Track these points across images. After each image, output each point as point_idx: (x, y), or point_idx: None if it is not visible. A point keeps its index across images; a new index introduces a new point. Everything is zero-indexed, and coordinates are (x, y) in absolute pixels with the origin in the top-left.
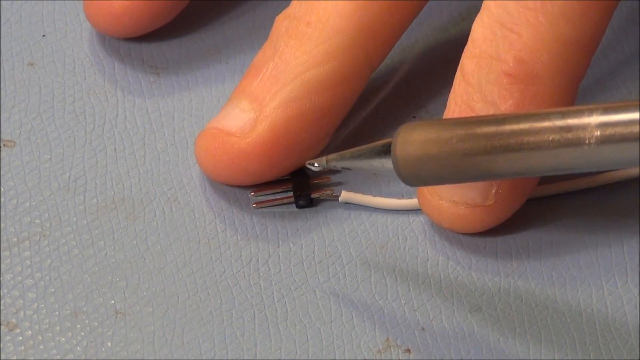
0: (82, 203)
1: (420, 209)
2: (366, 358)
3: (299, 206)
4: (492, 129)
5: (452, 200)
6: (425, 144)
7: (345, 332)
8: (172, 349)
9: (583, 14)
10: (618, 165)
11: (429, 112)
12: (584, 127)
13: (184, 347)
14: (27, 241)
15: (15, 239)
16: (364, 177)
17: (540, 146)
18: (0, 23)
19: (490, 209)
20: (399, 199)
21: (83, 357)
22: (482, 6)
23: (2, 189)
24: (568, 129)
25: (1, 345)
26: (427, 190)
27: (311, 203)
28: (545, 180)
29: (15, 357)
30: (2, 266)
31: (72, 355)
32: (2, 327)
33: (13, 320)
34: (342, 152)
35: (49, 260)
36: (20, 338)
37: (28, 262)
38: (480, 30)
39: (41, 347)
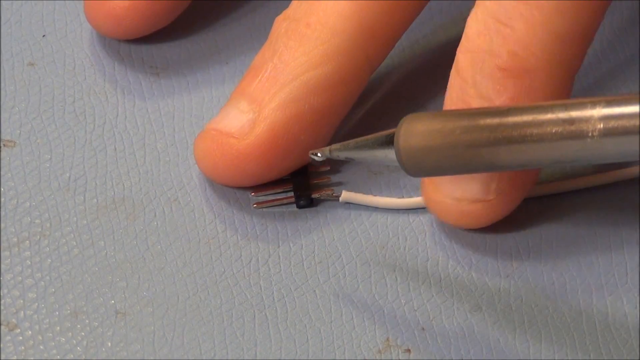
0: (82, 203)
1: (420, 209)
2: (366, 358)
3: (299, 206)
4: (495, 120)
5: (454, 197)
6: (429, 135)
7: (345, 332)
8: (172, 349)
9: (577, 7)
10: (621, 158)
11: (427, 111)
12: (587, 120)
13: (184, 347)
14: (27, 241)
15: (15, 239)
16: (364, 177)
17: (543, 138)
18: (0, 23)
19: (491, 204)
20: (399, 198)
21: (83, 357)
22: (476, 2)
23: (2, 189)
24: (571, 121)
25: (1, 345)
26: (430, 189)
27: (311, 203)
28: (546, 178)
29: (15, 357)
30: (2, 266)
31: (72, 355)
32: (2, 327)
33: (13, 320)
34: (345, 142)
35: (49, 260)
36: (20, 338)
37: (28, 262)
38: (474, 25)
39: (41, 347)
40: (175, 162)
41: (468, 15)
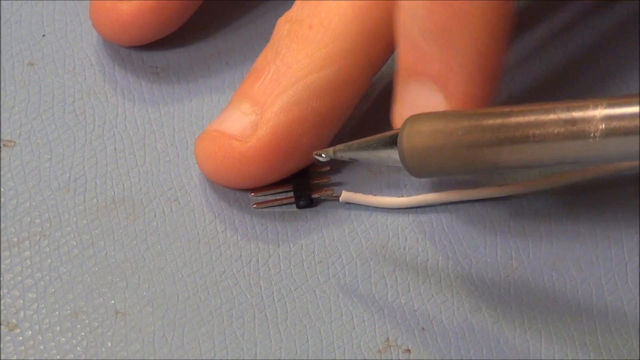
0: (82, 203)
1: (420, 209)
2: (366, 358)
3: (299, 206)
4: (498, 121)
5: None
6: (432, 135)
7: (345, 332)
8: (172, 349)
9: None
10: (623, 158)
11: None
12: (589, 120)
13: (184, 347)
14: (27, 241)
15: (15, 239)
16: (364, 177)
17: (546, 139)
18: (0, 23)
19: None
20: (399, 198)
21: (83, 357)
22: None
23: (2, 189)
24: (573, 122)
25: (1, 345)
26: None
27: (311, 203)
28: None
29: (15, 357)
30: (2, 266)
31: (72, 355)
32: (2, 327)
33: (13, 320)
34: (349, 142)
35: (49, 260)
36: (20, 338)
37: (28, 262)
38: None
39: (41, 347)
40: (175, 162)
41: None
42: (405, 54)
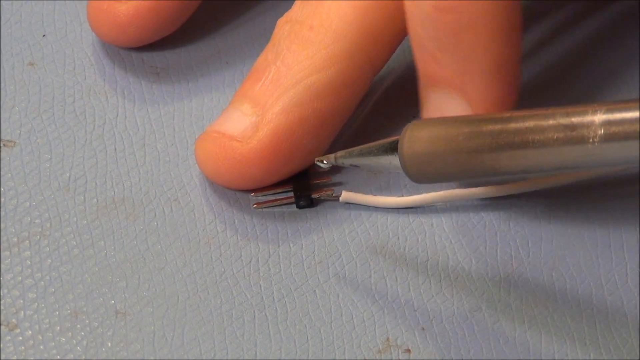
0: (82, 203)
1: (420, 209)
2: (366, 358)
3: (299, 206)
4: (497, 126)
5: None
6: (432, 141)
7: (345, 332)
8: (172, 349)
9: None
10: (622, 163)
11: None
12: (588, 125)
13: (184, 347)
14: (27, 241)
15: (15, 239)
16: (364, 177)
17: (545, 144)
18: (0, 23)
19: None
20: (399, 198)
21: (83, 357)
22: None
23: (2, 189)
24: (572, 127)
25: (1, 345)
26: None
27: (311, 203)
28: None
29: (15, 357)
30: (2, 266)
31: (72, 355)
32: (2, 327)
33: (13, 320)
34: (350, 149)
35: (49, 260)
36: (20, 338)
37: (28, 262)
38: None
39: (41, 347)
40: (175, 162)
41: None
42: (422, 63)
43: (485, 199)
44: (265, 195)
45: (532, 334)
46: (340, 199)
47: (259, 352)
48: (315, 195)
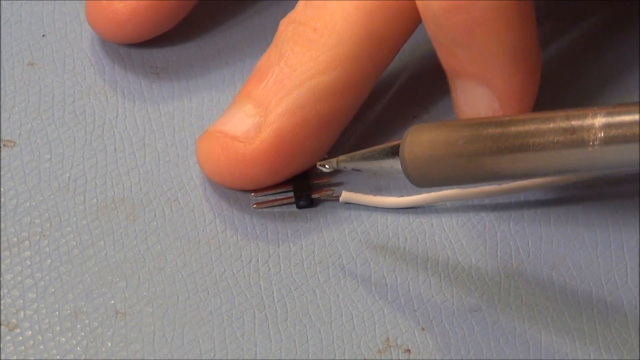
0: (82, 203)
1: (420, 209)
2: (366, 358)
3: (299, 206)
4: (498, 130)
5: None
6: (433, 145)
7: (345, 332)
8: (172, 349)
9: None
10: (622, 166)
11: (430, 113)
12: (588, 129)
13: (184, 347)
14: (27, 241)
15: (15, 239)
16: (364, 177)
17: (545, 147)
18: (0, 23)
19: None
20: (399, 198)
21: (83, 357)
22: None
23: (2, 189)
24: (572, 130)
25: (1, 345)
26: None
27: (311, 203)
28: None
29: (15, 357)
30: (2, 266)
31: (72, 355)
32: (2, 327)
33: (13, 320)
34: (352, 153)
35: (49, 260)
36: (20, 338)
37: (28, 262)
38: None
39: (41, 347)
40: (175, 162)
41: None
42: (443, 57)
43: (485, 199)
44: (265, 195)
45: (532, 334)
46: (340, 199)
47: (259, 352)
48: (315, 196)
